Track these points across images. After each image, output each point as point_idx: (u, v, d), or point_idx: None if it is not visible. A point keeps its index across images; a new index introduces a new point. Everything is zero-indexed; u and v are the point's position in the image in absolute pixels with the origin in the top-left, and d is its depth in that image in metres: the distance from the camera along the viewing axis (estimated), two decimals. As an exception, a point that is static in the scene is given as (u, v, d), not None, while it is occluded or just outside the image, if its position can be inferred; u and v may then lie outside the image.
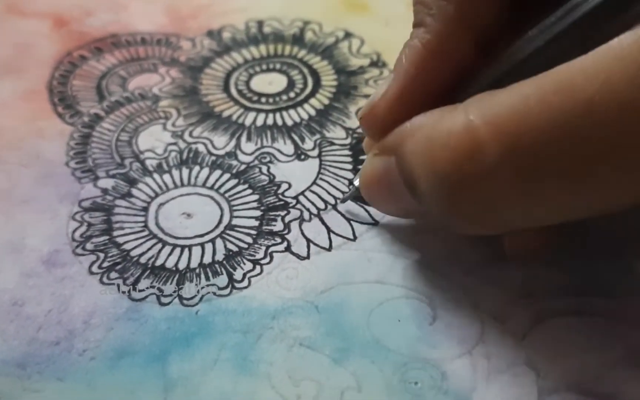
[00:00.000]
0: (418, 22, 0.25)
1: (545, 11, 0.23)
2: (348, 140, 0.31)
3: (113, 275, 0.26)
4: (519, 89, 0.21)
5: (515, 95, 0.21)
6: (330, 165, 0.30)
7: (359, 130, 0.31)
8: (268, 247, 0.27)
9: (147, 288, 0.26)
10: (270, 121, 0.32)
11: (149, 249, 0.27)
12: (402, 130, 0.24)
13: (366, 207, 0.28)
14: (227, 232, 0.27)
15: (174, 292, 0.26)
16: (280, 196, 0.29)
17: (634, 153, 0.20)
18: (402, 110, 0.24)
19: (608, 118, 0.20)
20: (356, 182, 0.27)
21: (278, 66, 0.34)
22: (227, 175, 0.29)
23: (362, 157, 0.30)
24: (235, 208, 0.28)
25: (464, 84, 0.24)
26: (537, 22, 0.23)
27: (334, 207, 0.28)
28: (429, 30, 0.24)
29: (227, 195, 0.29)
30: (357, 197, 0.27)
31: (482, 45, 0.25)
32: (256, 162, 0.30)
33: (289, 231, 0.28)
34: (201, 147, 0.30)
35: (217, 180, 0.29)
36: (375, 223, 0.28)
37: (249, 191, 0.29)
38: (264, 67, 0.34)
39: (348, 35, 0.36)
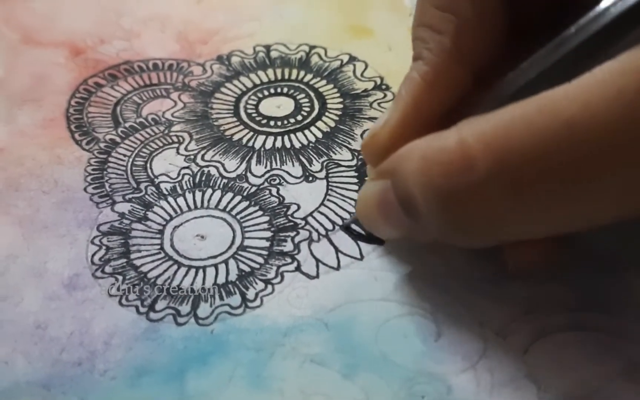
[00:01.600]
0: (417, 55, 0.26)
1: (539, 41, 0.25)
2: (354, 162, 0.32)
3: (131, 297, 0.27)
4: (506, 110, 0.23)
5: (503, 115, 0.23)
6: (337, 186, 0.31)
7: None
8: (279, 267, 0.28)
9: (164, 309, 0.27)
10: (279, 144, 0.33)
11: (165, 270, 0.28)
12: (398, 153, 0.25)
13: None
14: (240, 252, 0.29)
15: (190, 312, 0.27)
16: (290, 217, 0.30)
17: (612, 169, 0.22)
18: (401, 139, 0.25)
19: (587, 136, 0.21)
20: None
21: (285, 90, 0.36)
22: (238, 198, 0.31)
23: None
24: (246, 229, 0.29)
25: (460, 111, 0.25)
26: (530, 52, 0.24)
27: (341, 227, 0.29)
28: (427, 63, 0.26)
29: (238, 217, 0.30)
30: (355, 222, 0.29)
31: (478, 74, 0.26)
32: (266, 184, 0.31)
33: (299, 251, 0.29)
34: (213, 170, 0.32)
35: (229, 202, 0.30)
36: (381, 243, 0.29)
37: (260, 213, 0.30)
38: (272, 91, 0.36)
39: (352, 59, 0.37)
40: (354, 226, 0.29)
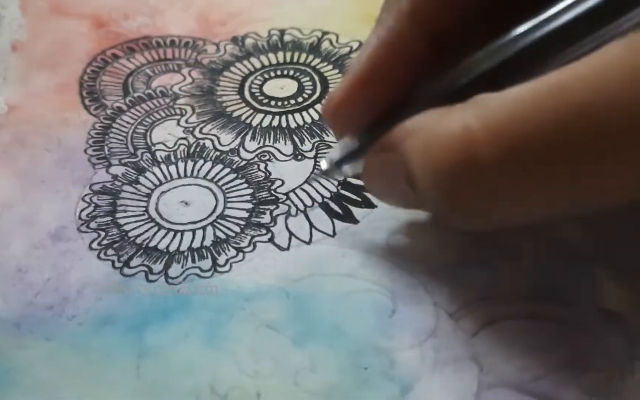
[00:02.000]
0: (379, 20, 0.26)
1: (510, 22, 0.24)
2: (342, 141, 0.33)
3: (110, 252, 0.29)
4: (515, 93, 0.22)
5: (512, 99, 0.22)
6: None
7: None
8: (253, 237, 0.29)
9: (138, 266, 0.28)
10: (275, 123, 0.34)
11: (146, 231, 0.29)
12: (403, 128, 0.25)
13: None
14: (219, 221, 0.30)
15: (161, 271, 0.28)
16: (273, 191, 0.31)
17: (627, 151, 0.21)
18: (356, 101, 0.26)
19: (600, 120, 0.21)
20: (323, 165, 0.28)
21: (292, 72, 0.36)
22: (227, 170, 0.32)
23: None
24: (229, 200, 0.31)
25: (421, 84, 0.25)
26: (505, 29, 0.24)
27: (320, 205, 0.30)
28: (383, 25, 0.26)
29: (224, 187, 0.31)
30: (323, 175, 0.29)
31: (439, 48, 0.26)
32: (256, 159, 0.32)
33: (275, 224, 0.30)
34: (208, 143, 0.33)
35: (217, 173, 0.32)
36: (355, 222, 0.29)
37: (245, 185, 0.31)
38: (279, 72, 0.37)
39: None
40: (332, 204, 0.30)
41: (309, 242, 0.29)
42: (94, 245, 0.29)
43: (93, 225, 0.30)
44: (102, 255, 0.29)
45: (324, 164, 0.28)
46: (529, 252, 0.27)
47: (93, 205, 0.30)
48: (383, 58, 0.26)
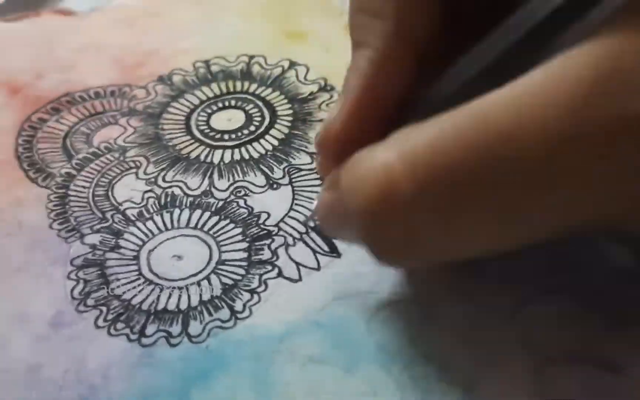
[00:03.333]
0: (359, 43, 0.26)
1: (481, 24, 0.24)
2: (314, 164, 0.33)
3: (119, 325, 0.27)
4: (436, 122, 0.22)
5: (432, 129, 0.22)
6: (302, 190, 0.32)
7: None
8: (261, 275, 0.29)
9: (155, 332, 0.27)
10: (237, 156, 0.33)
11: (149, 295, 0.28)
12: (344, 165, 0.24)
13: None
14: (219, 267, 0.29)
15: (181, 332, 0.27)
16: (262, 226, 0.30)
17: (549, 182, 0.21)
18: (355, 129, 0.25)
19: (521, 149, 0.20)
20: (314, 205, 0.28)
21: (233, 102, 0.36)
22: (207, 214, 0.31)
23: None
24: (222, 243, 0.30)
25: (409, 103, 0.25)
26: (471, 40, 0.24)
27: (314, 229, 0.30)
28: (372, 48, 0.25)
29: (211, 232, 0.30)
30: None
31: (422, 61, 0.26)
32: (232, 197, 0.32)
33: (278, 258, 0.29)
34: (177, 190, 0.32)
35: (199, 219, 0.31)
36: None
37: (232, 225, 0.30)
38: (220, 105, 0.36)
39: (293, 64, 0.38)
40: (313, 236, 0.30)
41: (318, 269, 0.29)
42: (100, 322, 0.27)
43: (90, 302, 0.28)
44: (112, 330, 0.27)
45: (314, 204, 0.28)
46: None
47: (82, 281, 0.29)
48: (376, 80, 0.25)
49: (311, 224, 0.30)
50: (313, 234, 0.30)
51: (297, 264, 0.29)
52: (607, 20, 0.22)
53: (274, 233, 0.30)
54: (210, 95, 0.36)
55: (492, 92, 0.22)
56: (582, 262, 0.28)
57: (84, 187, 0.32)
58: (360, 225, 0.23)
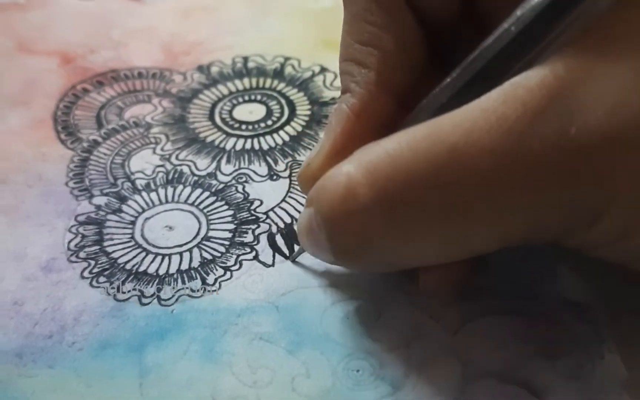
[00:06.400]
0: (344, 88, 0.28)
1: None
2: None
3: (102, 279, 0.30)
4: (396, 136, 0.24)
5: (392, 142, 0.24)
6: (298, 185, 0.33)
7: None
8: (238, 255, 0.31)
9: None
10: (248, 146, 0.35)
11: (134, 257, 0.31)
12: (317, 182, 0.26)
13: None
14: (204, 242, 0.31)
15: (153, 294, 0.29)
16: (252, 211, 0.32)
17: (494, 196, 0.22)
18: (332, 168, 0.26)
19: (469, 162, 0.22)
20: None
21: (259, 97, 0.38)
22: (207, 194, 0.33)
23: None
24: (212, 222, 0.32)
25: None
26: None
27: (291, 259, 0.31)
28: (354, 96, 0.27)
29: (205, 210, 0.32)
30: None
31: (403, 101, 0.27)
32: (233, 181, 0.34)
33: (258, 242, 0.31)
34: (185, 169, 0.34)
35: (197, 197, 0.33)
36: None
37: (226, 207, 0.33)
38: (246, 98, 0.38)
39: (323, 69, 0.40)
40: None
41: (291, 258, 0.31)
42: (86, 274, 0.30)
43: (82, 255, 0.31)
44: (94, 282, 0.30)
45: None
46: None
47: (80, 235, 0.31)
48: (356, 125, 0.27)
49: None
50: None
51: (274, 251, 0.31)
52: (559, 47, 0.23)
53: (261, 220, 0.32)
54: (240, 88, 0.39)
55: (446, 113, 0.23)
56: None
57: (105, 154, 0.35)
58: (324, 230, 0.25)
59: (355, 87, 0.27)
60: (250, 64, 0.40)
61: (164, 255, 0.31)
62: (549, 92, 0.22)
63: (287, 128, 0.36)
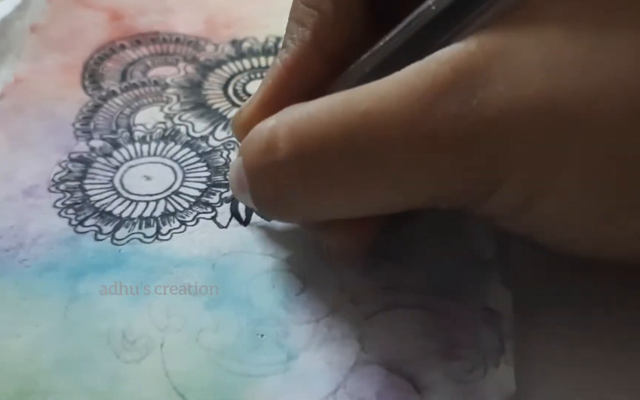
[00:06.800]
0: (283, 45, 0.30)
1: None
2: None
3: (70, 211, 0.32)
4: (317, 101, 0.26)
5: (314, 105, 0.26)
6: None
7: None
8: (199, 213, 0.32)
9: (91, 226, 0.32)
10: (248, 118, 0.37)
11: (106, 198, 0.33)
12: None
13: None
14: (172, 196, 0.33)
15: (110, 233, 0.31)
16: (227, 176, 0.34)
17: (400, 163, 0.24)
18: (261, 117, 0.28)
19: (378, 129, 0.24)
20: None
21: (276, 76, 0.39)
22: (193, 153, 0.35)
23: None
24: (187, 179, 0.34)
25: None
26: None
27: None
28: (288, 52, 0.29)
29: (185, 168, 0.34)
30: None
31: (338, 63, 0.28)
32: (221, 147, 0.35)
33: (221, 205, 0.32)
34: (182, 129, 0.36)
35: (183, 155, 0.35)
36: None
37: (205, 168, 0.34)
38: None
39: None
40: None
41: (245, 223, 0.32)
42: (58, 204, 0.32)
43: (62, 187, 0.33)
44: (62, 213, 0.32)
45: None
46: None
47: (67, 170, 0.34)
48: (286, 79, 0.29)
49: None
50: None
51: (232, 214, 0.32)
52: (478, 26, 0.24)
53: (232, 185, 0.33)
54: (264, 65, 0.40)
55: (366, 84, 0.25)
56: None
57: (118, 104, 0.38)
58: (247, 179, 0.27)
59: (290, 44, 0.29)
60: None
61: (132, 201, 0.33)
62: (458, 65, 0.24)
63: (291, 107, 0.37)
